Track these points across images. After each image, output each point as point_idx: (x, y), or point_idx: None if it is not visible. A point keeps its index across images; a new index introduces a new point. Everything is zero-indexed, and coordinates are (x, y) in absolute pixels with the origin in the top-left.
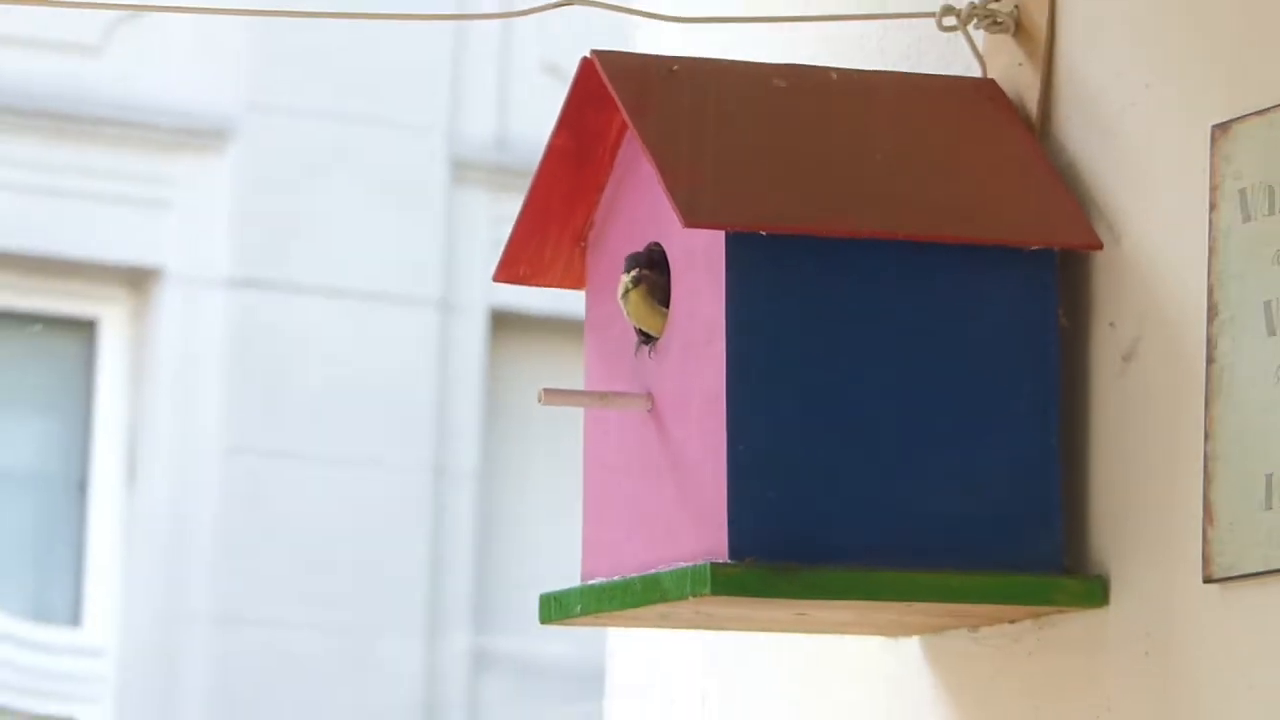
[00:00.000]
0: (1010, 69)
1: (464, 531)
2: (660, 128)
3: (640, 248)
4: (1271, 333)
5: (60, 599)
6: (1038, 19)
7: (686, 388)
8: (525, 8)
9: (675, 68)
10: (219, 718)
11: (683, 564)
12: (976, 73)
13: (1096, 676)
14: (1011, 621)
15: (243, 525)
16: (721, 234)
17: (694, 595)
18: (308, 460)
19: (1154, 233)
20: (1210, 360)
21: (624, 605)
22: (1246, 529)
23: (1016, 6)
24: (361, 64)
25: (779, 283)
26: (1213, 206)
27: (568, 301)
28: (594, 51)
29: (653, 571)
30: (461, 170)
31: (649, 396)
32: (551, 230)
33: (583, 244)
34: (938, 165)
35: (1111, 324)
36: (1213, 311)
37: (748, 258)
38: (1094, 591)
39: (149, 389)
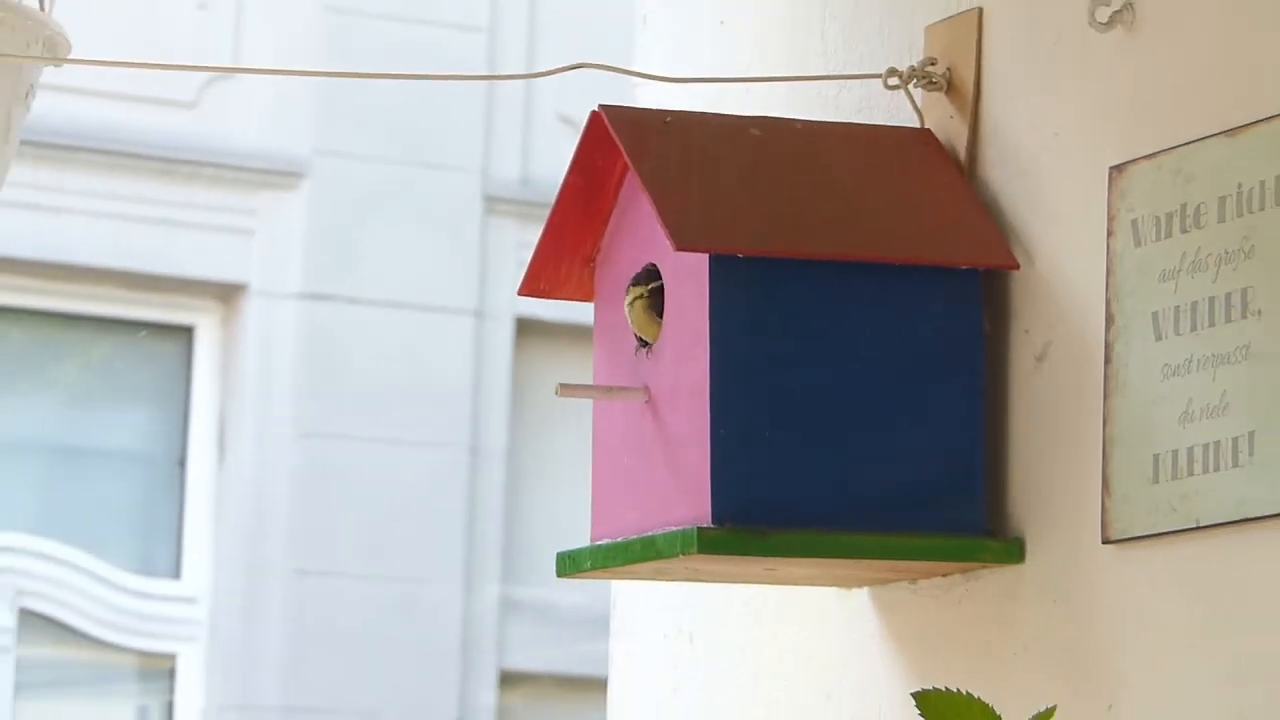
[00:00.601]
0: (943, 121)
1: (494, 500)
2: (655, 169)
3: (640, 268)
4: (1158, 338)
5: (163, 556)
6: (966, 79)
7: (677, 383)
8: (545, 70)
9: (668, 119)
10: (292, 654)
11: (674, 528)
12: (915, 124)
13: (1014, 621)
14: (944, 575)
15: (312, 494)
16: (706, 256)
17: (683, 554)
18: (365, 441)
19: (1062, 256)
20: (1108, 361)
21: (625, 562)
22: (1138, 500)
23: (948, 69)
24: (410, 116)
25: (754, 296)
26: (1110, 234)
27: (580, 311)
28: (601, 106)
29: (649, 534)
30: (492, 204)
31: (646, 390)
32: (566, 253)
33: (591, 264)
34: (884, 200)
35: (1027, 331)
36: (1110, 320)
37: (728, 276)
38: (1012, 551)
39: (235, 383)
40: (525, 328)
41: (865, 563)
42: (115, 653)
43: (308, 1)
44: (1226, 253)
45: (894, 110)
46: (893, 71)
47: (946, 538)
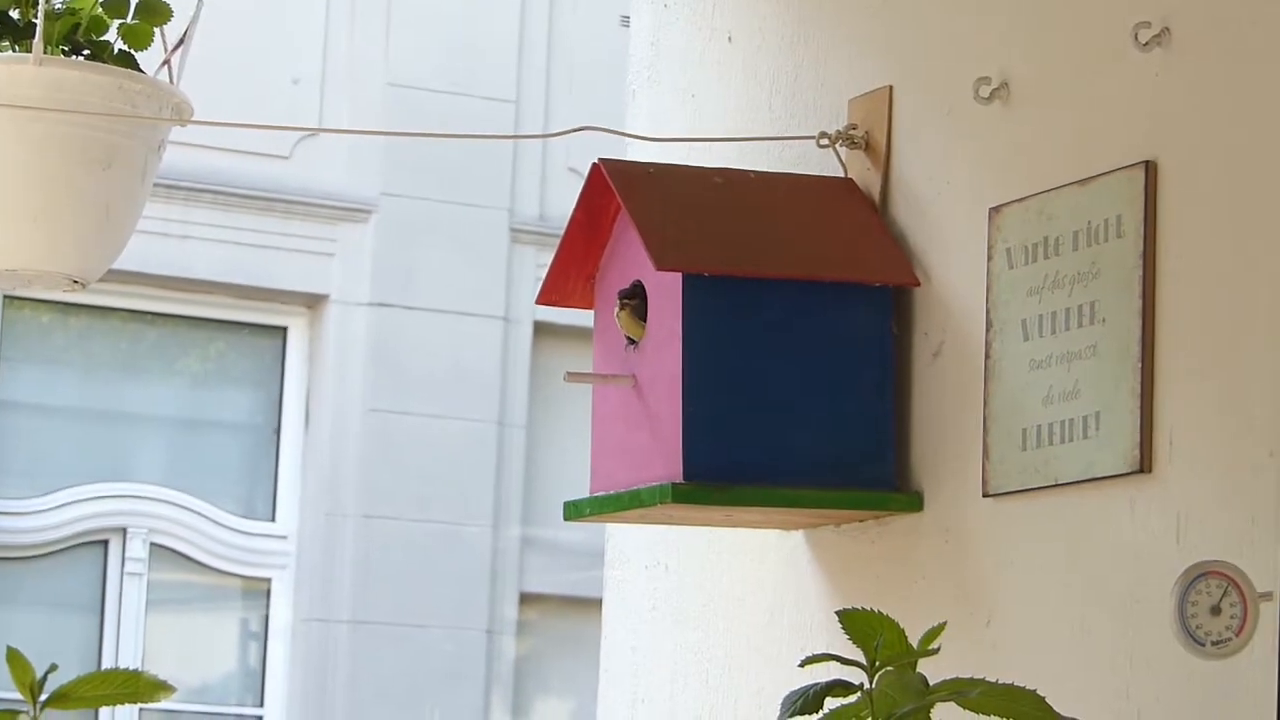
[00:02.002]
0: (862, 172)
1: (517, 461)
2: (641, 207)
3: (628, 284)
4: (1026, 339)
5: (262, 503)
6: (880, 140)
7: (657, 372)
8: (557, 131)
9: (651, 170)
10: (360, 578)
11: (654, 483)
12: (841, 174)
13: (915, 556)
14: (861, 521)
15: (376, 457)
16: (680, 274)
17: (661, 503)
18: (417, 415)
19: (952, 276)
20: (987, 356)
21: (617, 509)
22: (1010, 463)
23: (866, 133)
24: (454, 166)
25: (717, 305)
26: (989, 259)
27: (584, 317)
28: (600, 159)
29: (635, 488)
30: (516, 234)
31: (634, 377)
32: (573, 272)
33: (592, 280)
34: (816, 233)
35: (926, 333)
36: (989, 325)
37: (697, 290)
38: (914, 502)
39: (318, 370)
40: (542, 329)
41: (800, 511)
42: (223, 577)
43: (376, 79)
44: (1079, 274)
45: (824, 164)
46: (823, 134)
47: (863, 491)
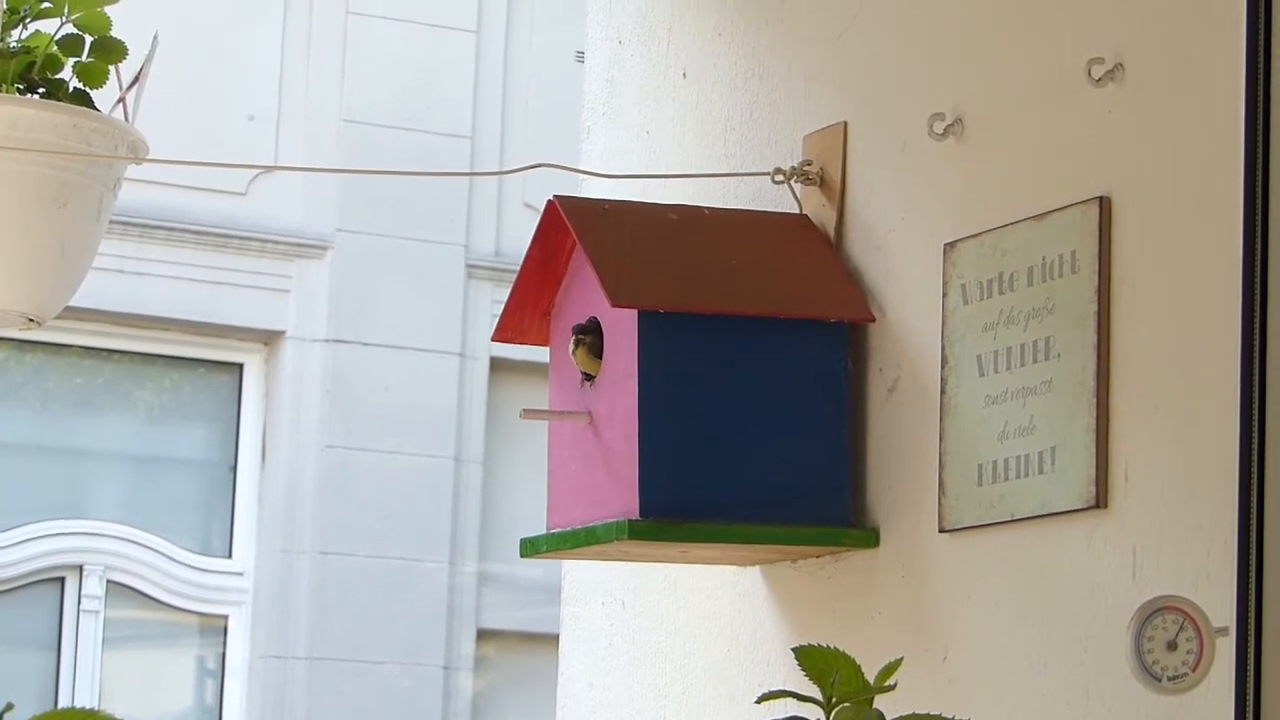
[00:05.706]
0: (818, 208)
1: (473, 497)
2: (597, 244)
3: (584, 320)
4: (982, 375)
5: (218, 540)
6: (834, 176)
7: (613, 408)
8: (513, 168)
9: (606, 206)
10: (317, 615)
11: (610, 520)
12: (796, 210)
13: (871, 592)
14: (817, 556)
15: (333, 493)
16: (635, 311)
17: (617, 540)
18: (374, 452)
19: (908, 311)
20: (943, 392)
21: (573, 546)
22: (966, 499)
23: (821, 169)
24: (409, 202)
25: (672, 342)
26: (944, 295)
27: (540, 353)
28: (556, 196)
29: (591, 524)
30: (472, 270)
31: (589, 414)
32: (529, 308)
33: (548, 317)
34: (772, 269)
35: (881, 369)
36: (945, 361)
37: (653, 326)
38: (869, 538)
39: (274, 407)
40: (498, 365)
41: (756, 547)
42: (180, 614)
43: (332, 115)
44: (1034, 310)
45: (779, 200)
46: (778, 170)
47: (819, 528)
